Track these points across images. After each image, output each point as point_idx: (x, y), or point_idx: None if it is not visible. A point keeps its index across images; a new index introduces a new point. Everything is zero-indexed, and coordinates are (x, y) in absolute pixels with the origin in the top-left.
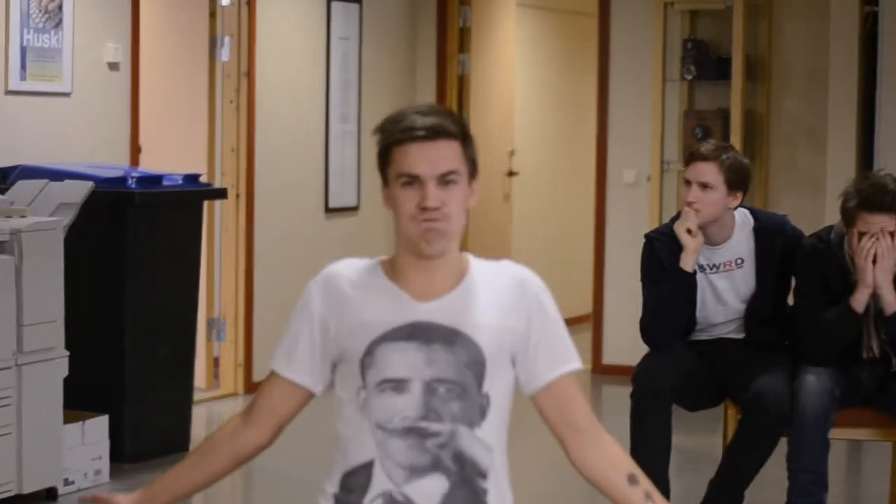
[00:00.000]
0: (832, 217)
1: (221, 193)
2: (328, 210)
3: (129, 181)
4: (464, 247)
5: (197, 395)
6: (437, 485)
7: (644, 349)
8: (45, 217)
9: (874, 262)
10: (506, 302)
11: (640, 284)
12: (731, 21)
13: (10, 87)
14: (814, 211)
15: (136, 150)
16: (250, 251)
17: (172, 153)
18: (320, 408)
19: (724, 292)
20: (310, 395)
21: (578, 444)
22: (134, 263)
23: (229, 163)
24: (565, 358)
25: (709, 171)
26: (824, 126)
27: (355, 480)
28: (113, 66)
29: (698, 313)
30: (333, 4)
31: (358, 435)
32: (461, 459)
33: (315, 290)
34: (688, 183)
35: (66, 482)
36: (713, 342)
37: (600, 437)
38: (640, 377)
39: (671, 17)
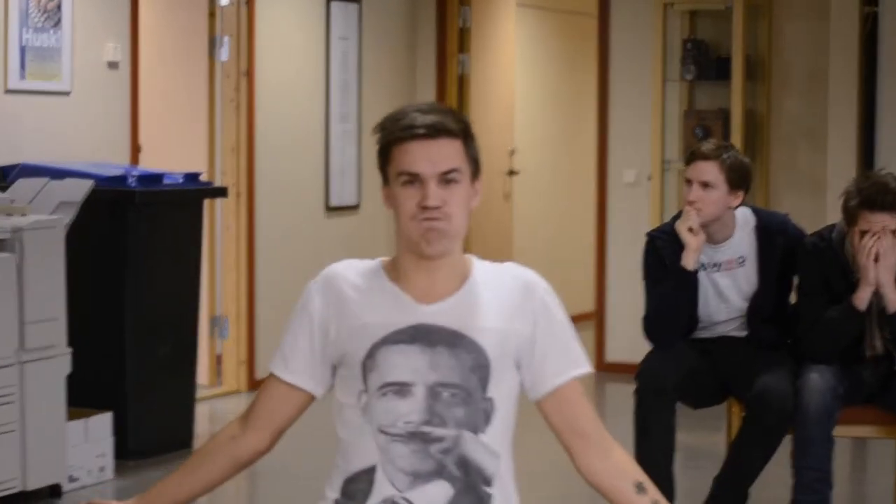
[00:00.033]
0: (833, 216)
1: (222, 192)
2: (329, 209)
3: (130, 180)
4: (465, 247)
5: (200, 393)
6: (440, 491)
7: (647, 347)
8: (46, 215)
9: (876, 260)
10: (510, 305)
11: (642, 283)
12: (730, 21)
13: (10, 86)
14: (815, 210)
15: (136, 149)
16: (251, 249)
17: (172, 152)
18: (326, 406)
19: (727, 290)
20: (310, 399)
21: (584, 451)
22: (134, 262)
23: (229, 162)
24: (572, 362)
25: (710, 171)
26: (825, 126)
27: (357, 486)
28: (112, 66)
29: (700, 311)
30: (333, 4)
31: (359, 439)
32: (466, 465)
33: (315, 291)
34: (689, 182)
35: (71, 479)
36: (716, 340)
37: (607, 444)
38: (643, 375)
39: (671, 18)
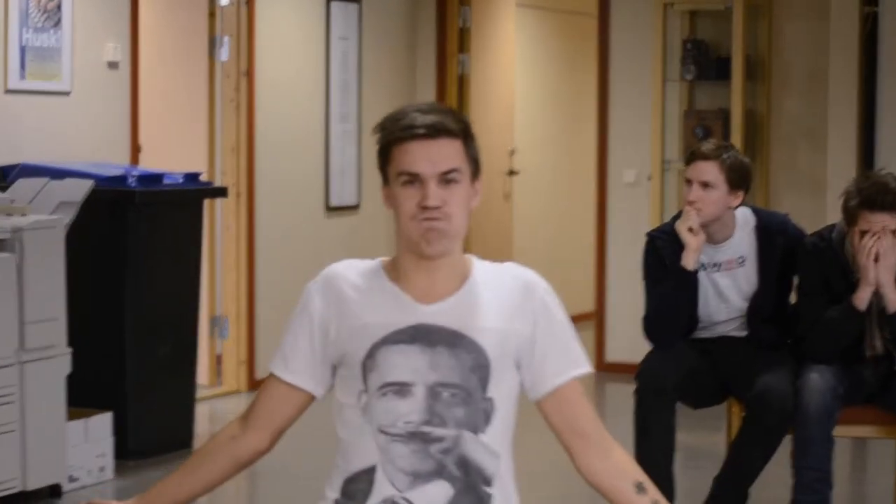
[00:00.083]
0: (833, 216)
1: (222, 192)
2: (329, 209)
3: (130, 180)
4: (465, 247)
5: (200, 393)
6: (440, 491)
7: (647, 347)
8: (46, 215)
9: (876, 260)
10: (510, 305)
11: (641, 283)
12: (730, 21)
13: (10, 86)
14: (815, 210)
15: (136, 149)
16: (251, 249)
17: (172, 152)
18: (326, 406)
19: (727, 290)
20: (310, 399)
21: (584, 451)
22: (135, 262)
23: (229, 162)
24: (572, 362)
25: (710, 171)
26: (825, 126)
27: (357, 486)
28: (112, 66)
29: (700, 311)
30: (333, 4)
31: (359, 439)
32: (466, 465)
33: (315, 291)
34: (689, 182)
35: (71, 479)
36: (716, 340)
37: (607, 444)
38: (643, 375)
39: (671, 18)
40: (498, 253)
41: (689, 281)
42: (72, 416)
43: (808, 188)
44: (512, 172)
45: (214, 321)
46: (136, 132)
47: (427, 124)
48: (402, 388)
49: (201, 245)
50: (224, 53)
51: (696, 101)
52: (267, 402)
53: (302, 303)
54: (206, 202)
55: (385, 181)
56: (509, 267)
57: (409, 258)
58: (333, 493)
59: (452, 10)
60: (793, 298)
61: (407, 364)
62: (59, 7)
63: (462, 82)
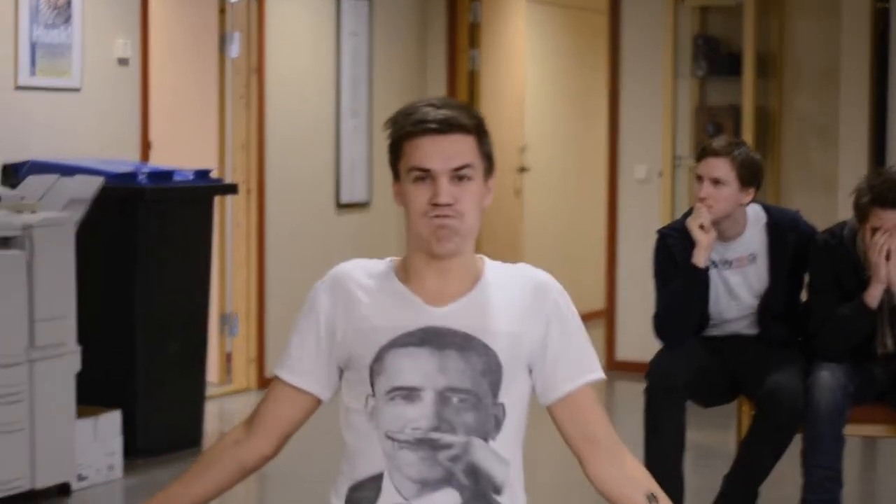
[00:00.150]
0: (845, 213)
1: (232, 189)
2: (339, 206)
3: (140, 177)
4: (476, 244)
5: (210, 391)
6: (449, 500)
7: (657, 345)
8: (56, 212)
9: (888, 257)
10: (523, 307)
11: (652, 280)
12: (742, 17)
13: (20, 83)
14: (826, 207)
15: (146, 145)
16: (261, 246)
17: (182, 149)
18: (336, 409)
19: (737, 288)
20: (317, 403)
21: (595, 459)
22: (144, 259)
23: (239, 158)
24: (585, 368)
25: (721, 167)
26: (836, 122)
27: (363, 494)
28: (122, 62)
29: (711, 309)
30: (343, 0)
31: (366, 445)
32: (475, 473)
33: (322, 291)
34: (700, 179)
35: (80, 478)
36: (726, 338)
37: (619, 453)
38: (653, 373)
39: (682, 14)
40: (508, 250)
41: (700, 278)
42: (81, 414)
43: (819, 185)
44: (522, 169)
45: (224, 319)
46: (146, 129)
47: (440, 119)
48: (410, 393)
49: (211, 242)
50: (234, 50)
51: (707, 98)
52: (272, 405)
53: (309, 303)
54: (217, 199)
55: (396, 177)
56: (522, 268)
57: (420, 258)
58: (338, 500)
59: (463, 6)
60: (804, 296)
61: (416, 368)
62: (69, 4)
63: (472, 78)
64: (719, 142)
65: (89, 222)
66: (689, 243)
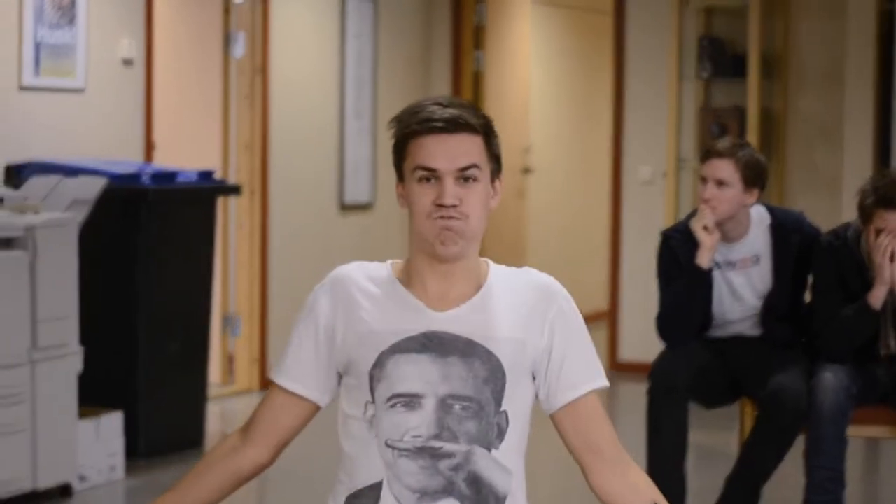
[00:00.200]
0: (849, 215)
1: (235, 190)
2: (343, 207)
3: (143, 177)
4: (480, 247)
5: (212, 391)
6: None
7: (660, 346)
8: (59, 213)
9: (892, 259)
10: (527, 313)
11: (655, 282)
12: (747, 18)
13: (24, 83)
14: (830, 209)
15: (149, 146)
16: (264, 247)
17: (186, 149)
18: (337, 407)
19: (741, 289)
20: (315, 409)
21: (599, 469)
22: (147, 260)
23: (243, 159)
24: (589, 375)
25: (725, 168)
26: (841, 124)
27: (361, 503)
28: (127, 63)
29: (714, 310)
30: (348, 1)
31: (365, 454)
32: (477, 483)
33: (321, 294)
34: (704, 180)
35: (81, 478)
36: (729, 339)
37: (623, 462)
38: (656, 374)
39: (687, 15)
40: (512, 250)
41: (704, 280)
42: (83, 414)
43: (823, 186)
44: (526, 170)
45: (227, 319)
46: (149, 129)
47: (446, 118)
48: (411, 400)
49: (214, 243)
50: (239, 50)
51: (712, 99)
52: (269, 412)
53: (307, 306)
54: (220, 200)
55: (400, 177)
56: (527, 272)
57: (423, 261)
58: None
59: (468, 8)
60: (807, 297)
61: (417, 374)
62: (73, 4)
63: (477, 79)
64: (723, 143)
65: (92, 223)
66: (693, 244)
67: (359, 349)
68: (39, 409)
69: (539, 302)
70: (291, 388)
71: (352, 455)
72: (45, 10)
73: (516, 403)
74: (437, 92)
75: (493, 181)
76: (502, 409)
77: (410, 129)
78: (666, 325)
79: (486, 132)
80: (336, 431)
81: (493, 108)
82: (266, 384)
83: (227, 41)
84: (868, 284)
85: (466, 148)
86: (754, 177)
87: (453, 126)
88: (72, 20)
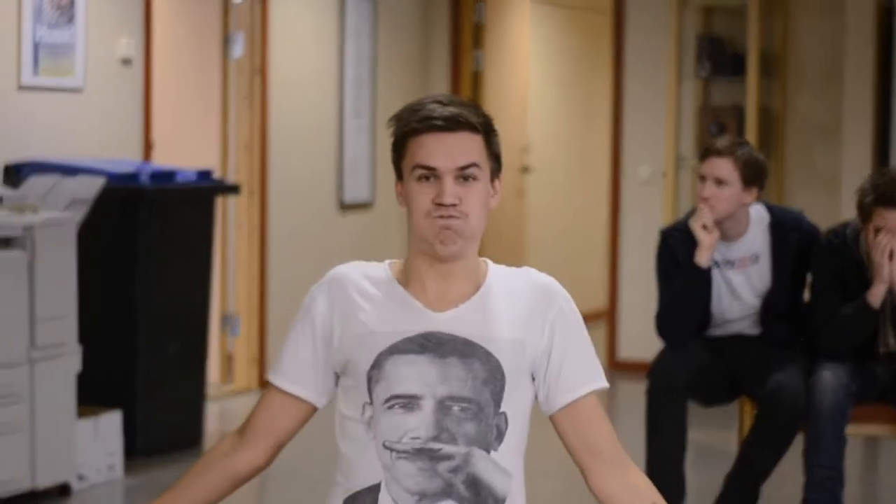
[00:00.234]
0: (848, 213)
1: (234, 189)
2: (342, 206)
3: (142, 177)
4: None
5: (211, 391)
6: None
7: (659, 345)
8: (58, 213)
9: (891, 257)
10: (527, 313)
11: (654, 280)
12: (746, 17)
13: (23, 83)
14: (829, 207)
15: (148, 145)
16: (263, 247)
17: (185, 149)
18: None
19: (740, 288)
20: (312, 410)
21: (598, 470)
22: (146, 259)
23: (242, 159)
24: (589, 376)
25: (724, 167)
26: (839, 122)
27: None
28: (126, 62)
29: (713, 309)
30: (347, 0)
31: (362, 455)
32: (476, 485)
33: (318, 295)
34: (703, 179)
35: (80, 478)
36: (728, 338)
37: (622, 464)
38: (655, 373)
39: (686, 14)
40: (511, 249)
41: (703, 278)
42: (81, 414)
43: (822, 185)
44: (525, 169)
45: (226, 319)
46: (148, 129)
47: (446, 116)
48: (409, 402)
49: (213, 242)
50: (238, 50)
51: (711, 98)
52: (265, 413)
53: (304, 307)
54: (219, 199)
55: (399, 176)
56: (526, 272)
57: (422, 260)
58: None
59: (467, 7)
60: (806, 296)
61: (416, 375)
62: (72, 3)
63: (476, 79)
64: (722, 142)
65: (91, 222)
66: (692, 243)
67: (356, 350)
68: (38, 408)
69: (539, 302)
70: (288, 389)
71: (349, 456)
72: (44, 9)
73: (515, 405)
74: (437, 91)
75: (492, 180)
76: (501, 410)
77: (410, 127)
78: (665, 323)
79: (487, 131)
80: (334, 429)
81: (492, 107)
82: (265, 384)
83: (226, 41)
84: (867, 283)
85: (466, 147)
86: (753, 175)
87: (453, 124)
88: (70, 19)
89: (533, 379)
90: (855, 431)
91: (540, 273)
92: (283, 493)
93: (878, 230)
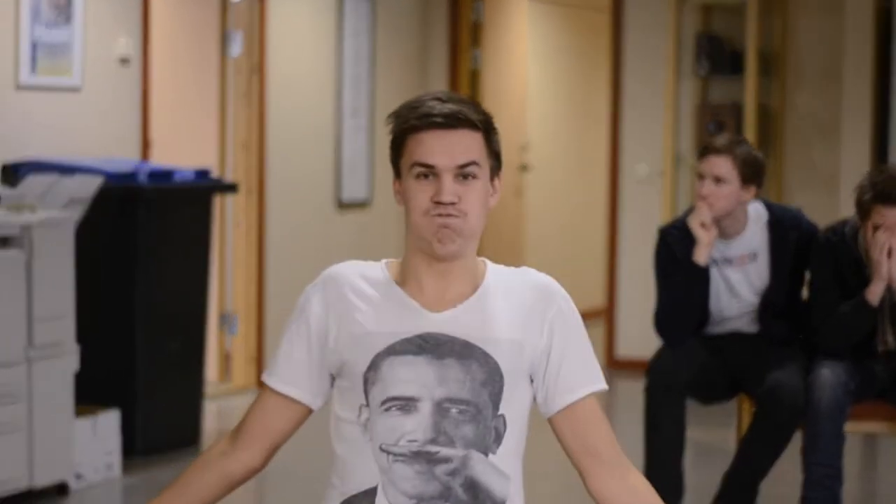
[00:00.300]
0: (846, 212)
1: (232, 188)
2: (340, 205)
3: (140, 176)
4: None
5: (209, 390)
6: None
7: (657, 343)
8: (56, 212)
9: (889, 255)
10: (526, 313)
11: (653, 278)
12: (744, 16)
13: (21, 82)
14: (828, 205)
15: (146, 144)
16: (261, 246)
17: (183, 148)
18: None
19: (738, 286)
20: (307, 412)
21: (598, 474)
22: (144, 258)
23: (240, 157)
24: (587, 378)
25: (722, 165)
26: (838, 121)
27: None
28: (123, 61)
29: (712, 307)
30: None
31: (358, 458)
32: (474, 489)
33: (312, 295)
34: (701, 177)
35: (78, 477)
36: (727, 336)
37: (621, 467)
38: (653, 371)
39: (684, 12)
40: (509, 248)
41: (701, 276)
42: (79, 413)
43: (821, 183)
44: (524, 168)
45: (224, 318)
46: (146, 128)
47: (445, 113)
48: (406, 404)
49: (211, 241)
50: (236, 49)
51: (710, 96)
52: (260, 415)
53: (299, 306)
54: (217, 198)
55: (397, 174)
56: (525, 272)
57: (419, 260)
58: None
59: (465, 5)
60: (805, 294)
61: (413, 377)
62: (70, 2)
63: (474, 77)
64: (721, 140)
65: (89, 222)
66: (691, 241)
67: (352, 351)
68: (36, 407)
69: (538, 302)
70: (283, 390)
71: (345, 459)
72: (42, 8)
73: (514, 407)
74: (435, 89)
75: (492, 179)
76: (500, 412)
77: (409, 124)
78: (664, 321)
79: (487, 129)
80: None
81: (491, 105)
82: (262, 383)
83: (224, 40)
84: (866, 281)
85: (466, 144)
86: (752, 173)
87: (453, 122)
88: (68, 19)
89: (531, 380)
90: (853, 429)
91: (539, 273)
92: (282, 493)
93: (876, 228)
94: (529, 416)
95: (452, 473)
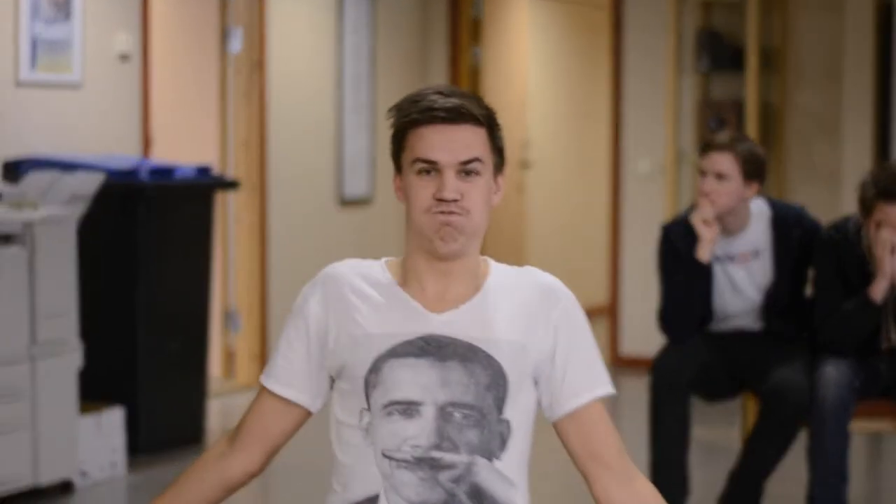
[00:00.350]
0: (848, 208)
1: (233, 185)
2: (342, 202)
3: (141, 173)
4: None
5: (212, 387)
6: None
7: (661, 341)
8: (57, 209)
9: (892, 252)
10: (530, 314)
11: (656, 275)
12: (745, 12)
13: (21, 79)
14: (830, 202)
15: (147, 141)
16: (263, 243)
17: (184, 145)
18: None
19: (741, 283)
20: (306, 414)
21: (603, 479)
22: (146, 256)
23: (241, 154)
24: (593, 382)
25: (724, 161)
26: (840, 117)
27: None
28: (124, 58)
29: (715, 304)
30: None
31: (360, 464)
32: (479, 495)
33: (311, 295)
34: (703, 173)
35: (82, 474)
36: (730, 334)
37: (628, 472)
38: (657, 369)
39: (685, 8)
40: (511, 246)
41: (704, 273)
42: (83, 410)
43: (823, 180)
44: (525, 165)
45: (227, 315)
46: (147, 125)
47: (448, 107)
48: (409, 408)
49: (213, 238)
50: (236, 45)
51: (711, 93)
52: (258, 418)
53: (297, 306)
54: (218, 195)
55: (397, 170)
56: (529, 271)
57: (420, 258)
58: None
59: (465, 2)
60: (808, 291)
61: (415, 380)
62: None
63: (475, 74)
64: (722, 136)
65: (90, 219)
66: (693, 238)
67: (353, 353)
68: (40, 405)
69: (542, 303)
70: (281, 392)
71: (346, 464)
72: (42, 5)
73: (519, 411)
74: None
75: (495, 176)
76: (504, 416)
77: (410, 118)
78: (667, 318)
79: (490, 124)
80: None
81: (491, 102)
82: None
83: (225, 36)
84: (869, 278)
85: (469, 140)
86: (754, 170)
87: (455, 116)
88: (68, 15)
89: (535, 383)
90: (858, 427)
91: (543, 273)
92: (282, 493)
93: (879, 225)
94: (534, 422)
95: (457, 480)
